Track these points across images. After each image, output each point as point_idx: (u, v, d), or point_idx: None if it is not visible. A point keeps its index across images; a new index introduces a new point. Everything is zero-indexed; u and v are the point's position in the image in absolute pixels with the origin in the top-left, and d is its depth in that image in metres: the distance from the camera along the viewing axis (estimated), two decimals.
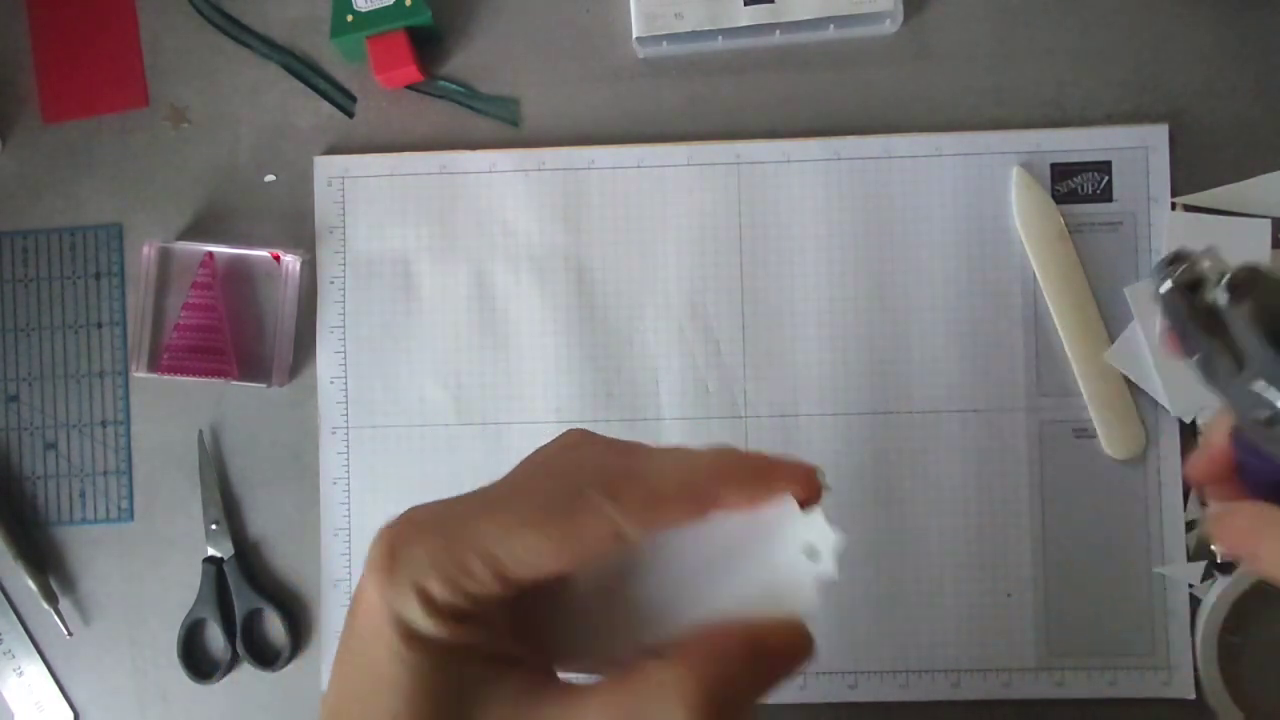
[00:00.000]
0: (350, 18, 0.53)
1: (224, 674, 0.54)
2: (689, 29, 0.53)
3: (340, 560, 0.54)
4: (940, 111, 0.54)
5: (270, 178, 0.56)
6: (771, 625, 0.27)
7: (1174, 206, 0.53)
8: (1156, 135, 0.53)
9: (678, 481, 0.27)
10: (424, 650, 0.25)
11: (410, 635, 0.25)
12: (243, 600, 0.53)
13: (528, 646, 0.27)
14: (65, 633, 0.54)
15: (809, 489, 0.28)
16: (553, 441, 0.32)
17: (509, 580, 0.26)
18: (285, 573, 0.55)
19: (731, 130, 0.54)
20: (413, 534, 0.27)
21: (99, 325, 0.56)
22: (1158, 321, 0.51)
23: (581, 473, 0.28)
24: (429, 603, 0.25)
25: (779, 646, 0.26)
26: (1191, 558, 0.52)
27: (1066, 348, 0.52)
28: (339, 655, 0.27)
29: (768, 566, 0.28)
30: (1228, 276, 0.31)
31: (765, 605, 0.27)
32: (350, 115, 0.56)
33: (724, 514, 0.28)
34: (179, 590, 0.54)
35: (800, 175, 0.54)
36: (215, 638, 0.54)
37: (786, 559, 0.28)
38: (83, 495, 0.55)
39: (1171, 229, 0.52)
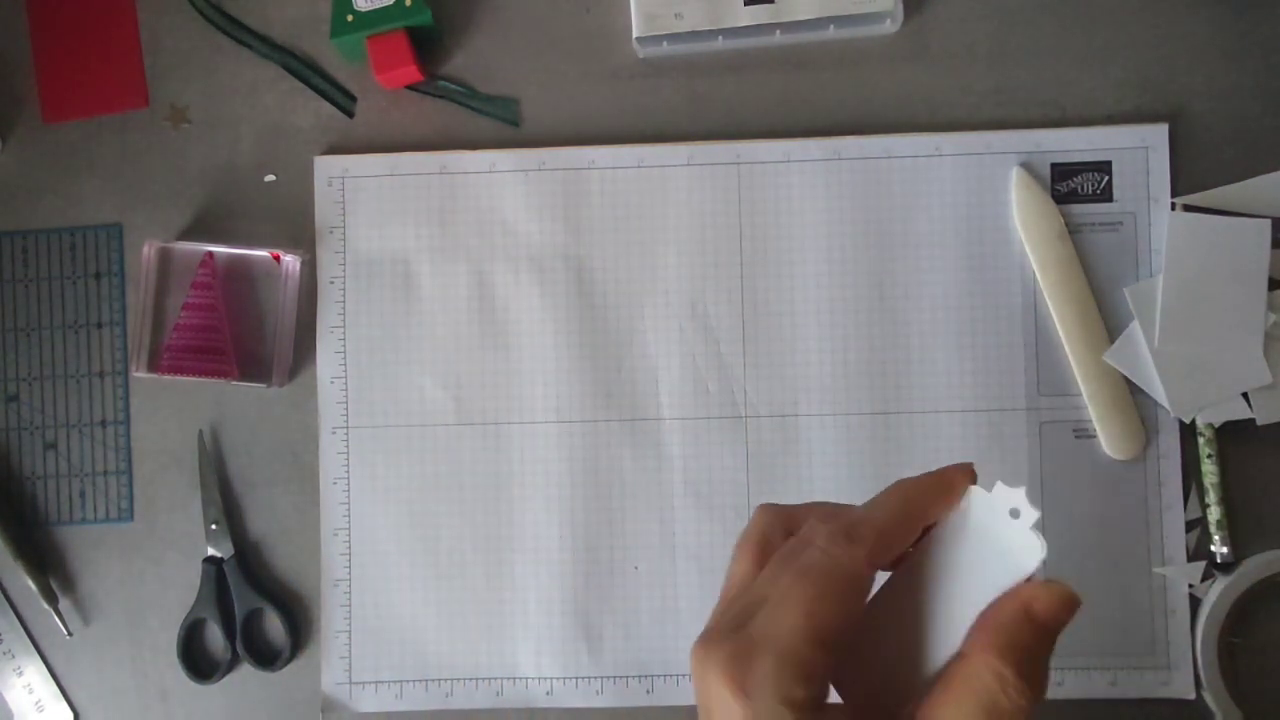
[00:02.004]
0: (350, 18, 0.53)
1: (224, 674, 0.54)
2: (689, 29, 0.53)
3: (340, 560, 0.54)
4: (940, 111, 0.54)
5: (270, 178, 0.56)
6: (1030, 588, 0.30)
7: (1174, 206, 0.53)
8: (1156, 135, 0.53)
9: (890, 511, 0.32)
10: None
11: None
12: (243, 600, 0.53)
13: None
14: (65, 633, 0.54)
15: (971, 475, 0.33)
16: (752, 527, 0.35)
17: (832, 649, 0.30)
18: (285, 573, 0.55)
19: (731, 130, 0.54)
20: (744, 663, 0.30)
21: (99, 325, 0.56)
22: (1157, 325, 0.51)
23: (813, 534, 0.32)
24: (795, 705, 0.28)
25: (1046, 602, 0.30)
26: (1191, 558, 0.52)
27: (1066, 348, 0.52)
28: None
29: (993, 546, 0.31)
30: None
31: (1011, 576, 0.31)
32: (350, 115, 0.56)
33: (935, 533, 0.33)
34: (179, 590, 0.54)
35: (800, 175, 0.54)
36: (215, 638, 0.54)
37: (1001, 529, 0.31)
38: (83, 495, 0.55)
39: (1171, 229, 0.52)
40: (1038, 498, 0.31)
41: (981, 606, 0.31)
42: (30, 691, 0.54)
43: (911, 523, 0.32)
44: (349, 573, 0.54)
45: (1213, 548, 0.52)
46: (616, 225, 0.54)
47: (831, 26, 0.53)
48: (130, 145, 0.56)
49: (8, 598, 0.55)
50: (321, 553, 0.54)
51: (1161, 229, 0.52)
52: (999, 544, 0.31)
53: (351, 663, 0.53)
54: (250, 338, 0.55)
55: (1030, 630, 0.30)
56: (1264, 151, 0.53)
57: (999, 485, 0.32)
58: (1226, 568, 0.52)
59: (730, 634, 0.30)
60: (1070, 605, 0.30)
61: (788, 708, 0.28)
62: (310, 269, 0.55)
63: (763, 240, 0.54)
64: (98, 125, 0.56)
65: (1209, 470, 0.52)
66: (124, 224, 0.56)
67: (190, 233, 0.55)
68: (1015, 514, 0.31)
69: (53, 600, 0.54)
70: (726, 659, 0.29)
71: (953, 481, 0.32)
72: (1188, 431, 0.52)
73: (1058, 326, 0.52)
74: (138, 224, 0.56)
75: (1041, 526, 0.31)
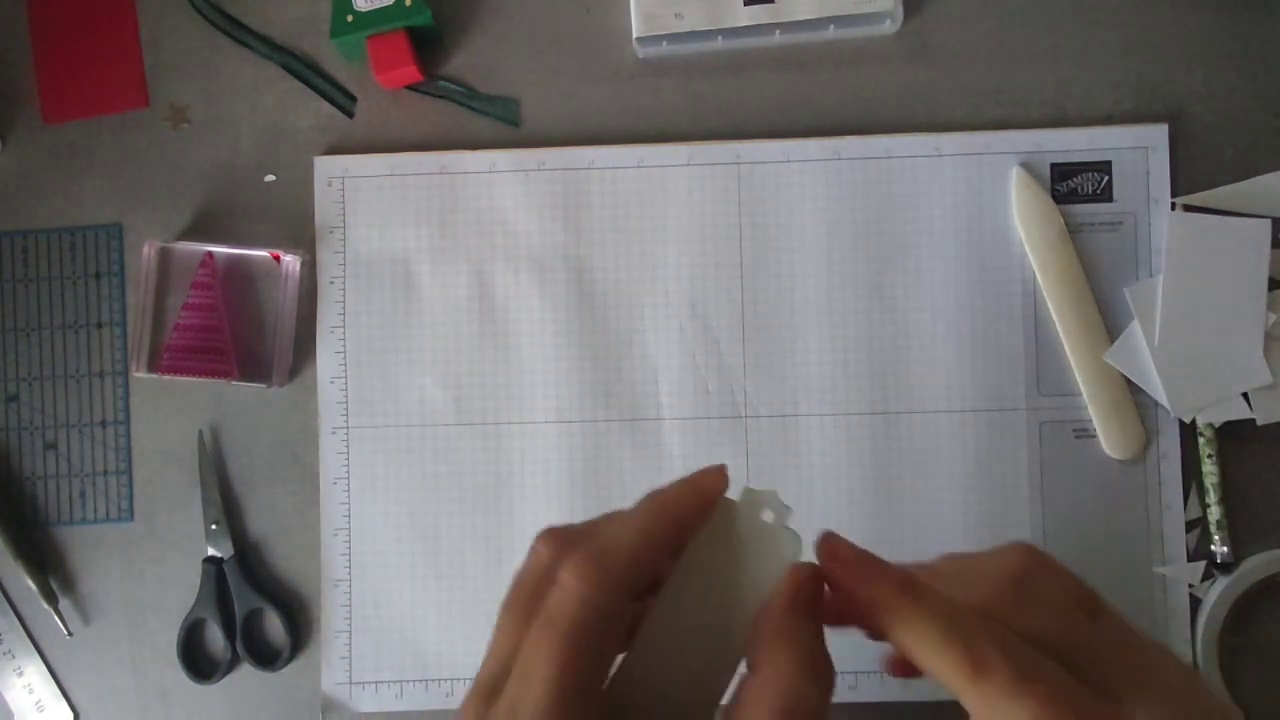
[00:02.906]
0: (350, 18, 0.53)
1: (224, 674, 0.54)
2: (689, 29, 0.53)
3: (340, 560, 0.54)
4: (940, 111, 0.54)
5: (270, 178, 0.56)
6: (786, 577, 0.29)
7: (1174, 206, 0.53)
8: (1156, 135, 0.53)
9: (642, 527, 0.30)
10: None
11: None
12: (243, 600, 0.53)
13: None
14: (65, 633, 0.54)
15: (724, 478, 0.31)
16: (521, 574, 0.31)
17: (590, 696, 0.28)
18: (285, 573, 0.55)
19: (731, 130, 0.54)
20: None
21: (99, 325, 0.56)
22: (1158, 323, 0.51)
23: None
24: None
25: (801, 584, 0.29)
26: (1191, 558, 0.52)
27: (1066, 348, 0.52)
28: None
29: (754, 549, 0.30)
30: None
31: (777, 575, 0.30)
32: (350, 115, 0.56)
33: (695, 543, 0.31)
34: (179, 590, 0.54)
35: (800, 175, 0.54)
36: (215, 638, 0.54)
37: (760, 530, 0.31)
38: (83, 495, 0.55)
39: (1171, 229, 0.52)
40: (796, 496, 0.31)
41: (752, 612, 0.29)
42: (30, 691, 0.54)
43: (665, 536, 0.30)
44: (349, 573, 0.54)
45: (1213, 548, 0.52)
46: (616, 225, 0.54)
47: (831, 26, 0.53)
48: (130, 145, 0.56)
49: (8, 598, 0.55)
50: (321, 553, 0.54)
51: (1161, 229, 0.52)
52: (760, 546, 0.30)
53: (351, 663, 0.53)
54: (250, 338, 0.55)
55: (802, 618, 0.28)
56: (1264, 151, 0.53)
57: (746, 488, 0.31)
58: (1226, 568, 0.52)
59: (480, 710, 0.27)
60: (816, 578, 0.29)
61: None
62: (310, 269, 0.55)
63: (763, 240, 0.54)
64: (98, 125, 0.56)
65: (1209, 470, 0.52)
66: (124, 224, 0.56)
67: (190, 233, 0.55)
68: (768, 514, 0.30)
69: (53, 600, 0.54)
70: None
71: (705, 487, 0.31)
72: (1188, 431, 0.52)
73: (1058, 326, 0.52)
74: (138, 224, 0.56)
75: (795, 522, 0.30)
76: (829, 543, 0.30)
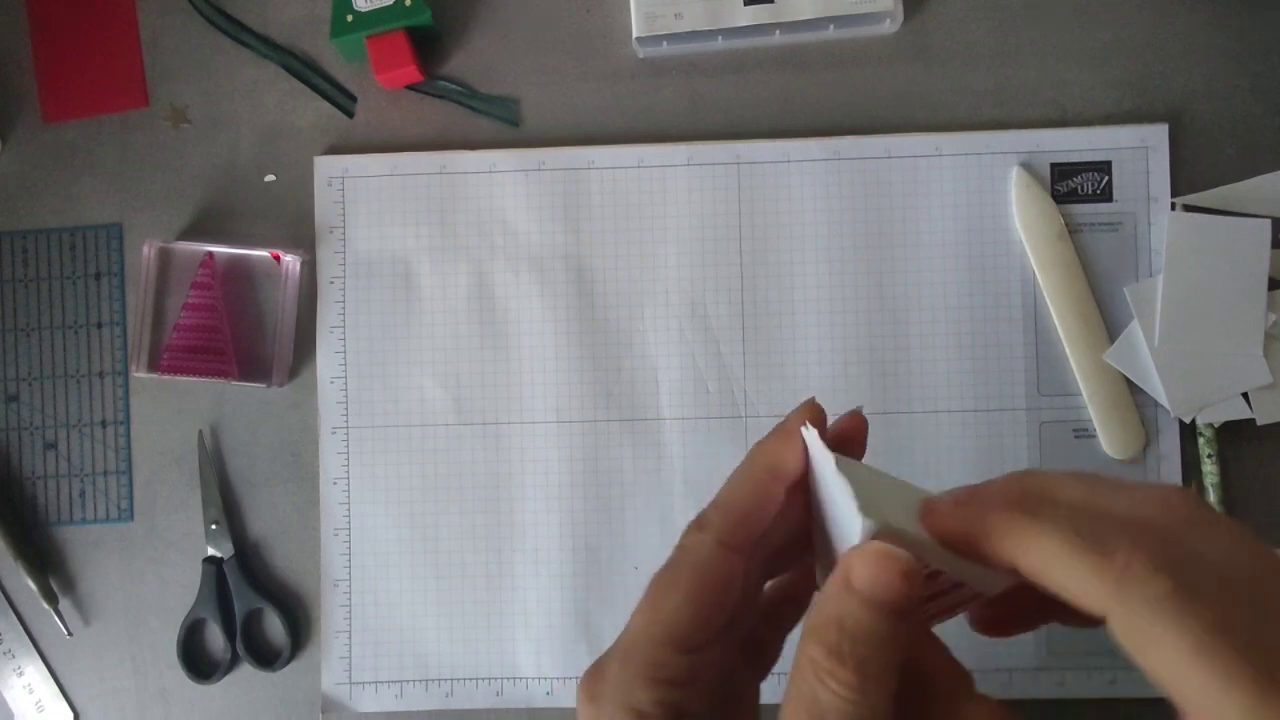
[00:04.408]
0: (350, 18, 0.53)
1: (224, 674, 0.54)
2: (689, 29, 0.53)
3: (340, 560, 0.54)
4: (940, 111, 0.54)
5: (270, 178, 0.56)
6: (847, 556, 0.25)
7: (1174, 206, 0.53)
8: (1156, 135, 0.53)
9: (737, 481, 0.29)
10: None
11: None
12: (243, 600, 0.53)
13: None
14: (65, 633, 0.54)
15: (811, 414, 0.29)
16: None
17: (687, 647, 0.27)
18: (285, 573, 0.55)
19: (731, 130, 0.54)
20: (598, 671, 0.28)
21: (99, 325, 0.56)
22: (1157, 323, 0.51)
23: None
24: (642, 716, 0.26)
25: (861, 570, 0.25)
26: None
27: (1066, 348, 0.52)
28: None
29: (836, 495, 0.27)
30: None
31: (850, 535, 0.27)
32: (350, 115, 0.56)
33: (810, 478, 0.29)
34: (179, 590, 0.54)
35: (800, 175, 0.54)
36: (215, 638, 0.54)
37: (832, 480, 0.28)
38: (83, 495, 0.55)
39: (1171, 229, 0.52)
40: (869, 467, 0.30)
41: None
42: (30, 691, 0.54)
43: (763, 486, 0.29)
44: (349, 573, 0.54)
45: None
46: (616, 225, 0.54)
47: (831, 26, 0.53)
48: (130, 145, 0.56)
49: (8, 598, 0.55)
50: (321, 553, 0.54)
51: (1161, 229, 0.52)
52: (838, 494, 0.27)
53: (351, 663, 0.53)
54: (250, 338, 0.55)
55: (851, 605, 0.24)
56: (1264, 151, 0.53)
57: (813, 436, 0.29)
58: None
59: (605, 655, 0.28)
60: (893, 565, 0.24)
61: (629, 714, 0.26)
62: (310, 269, 0.55)
63: (763, 240, 0.54)
64: (98, 125, 0.56)
65: (1209, 470, 0.52)
66: (124, 224, 0.56)
67: (190, 233, 0.55)
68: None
69: (53, 600, 0.54)
70: (585, 675, 0.28)
71: (791, 429, 0.29)
72: (1188, 431, 0.52)
73: (1058, 326, 0.52)
74: (138, 224, 0.56)
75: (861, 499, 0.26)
76: (927, 508, 0.27)
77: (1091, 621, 0.23)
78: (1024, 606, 0.28)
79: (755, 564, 0.30)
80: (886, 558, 0.24)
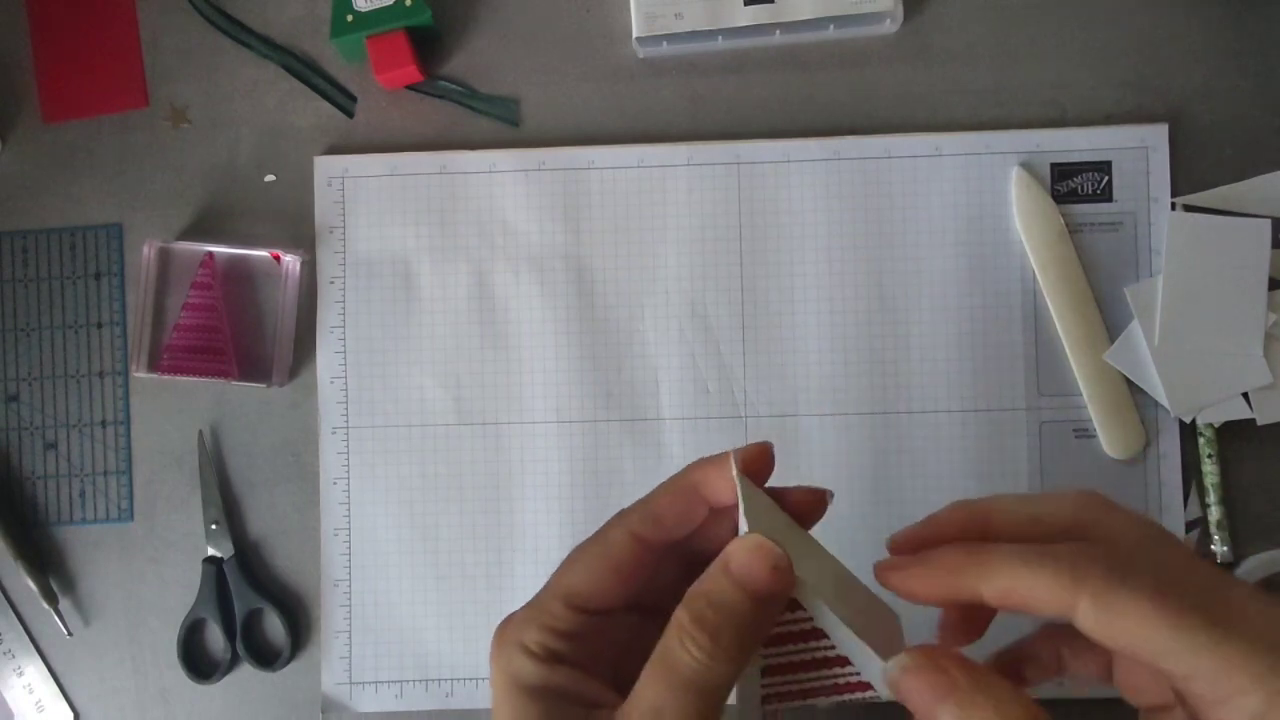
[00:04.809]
0: (350, 18, 0.53)
1: (224, 674, 0.54)
2: (689, 29, 0.53)
3: (340, 560, 0.54)
4: (940, 111, 0.54)
5: (270, 178, 0.56)
6: (732, 543, 0.29)
7: (1174, 206, 0.53)
8: (1156, 135, 0.53)
9: (658, 493, 0.33)
10: (527, 695, 0.30)
11: (516, 684, 0.30)
12: (243, 600, 0.53)
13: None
14: (65, 633, 0.54)
15: (753, 455, 0.32)
16: None
17: (580, 607, 0.31)
18: (285, 573, 0.55)
19: (731, 130, 0.54)
20: (509, 617, 0.32)
21: (99, 325, 0.56)
22: (1157, 324, 0.51)
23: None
24: (528, 652, 0.30)
25: (739, 556, 0.29)
26: None
27: (1066, 348, 0.52)
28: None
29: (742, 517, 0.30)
30: None
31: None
32: (350, 115, 0.56)
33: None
34: (179, 590, 0.54)
35: (800, 175, 0.54)
36: (215, 638, 0.54)
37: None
38: (83, 495, 0.55)
39: (1171, 229, 0.52)
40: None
41: None
42: (30, 691, 0.54)
43: (685, 498, 0.32)
44: (349, 573, 0.54)
45: (1213, 547, 0.52)
46: (616, 225, 0.54)
47: (831, 26, 0.53)
48: (130, 145, 0.56)
49: (8, 598, 0.55)
50: (321, 553, 0.54)
51: (1161, 229, 0.52)
52: (740, 524, 0.30)
53: (351, 663, 0.53)
54: (250, 338, 0.55)
55: (721, 583, 0.28)
56: (1264, 151, 0.53)
57: (739, 476, 0.31)
58: (1227, 568, 0.52)
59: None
60: (765, 556, 0.28)
61: (520, 651, 0.30)
62: (310, 269, 0.55)
63: (763, 240, 0.54)
64: (98, 125, 0.56)
65: (1209, 470, 0.52)
66: (124, 224, 0.56)
67: (190, 233, 0.55)
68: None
69: (53, 600, 0.54)
70: (501, 620, 0.32)
71: (725, 459, 0.32)
72: (1188, 431, 0.52)
73: (1058, 326, 0.52)
74: (138, 224, 0.56)
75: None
76: (886, 566, 0.30)
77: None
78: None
79: (676, 561, 0.33)
80: (761, 548, 0.28)
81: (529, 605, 0.32)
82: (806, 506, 0.33)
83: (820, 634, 0.30)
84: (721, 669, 0.27)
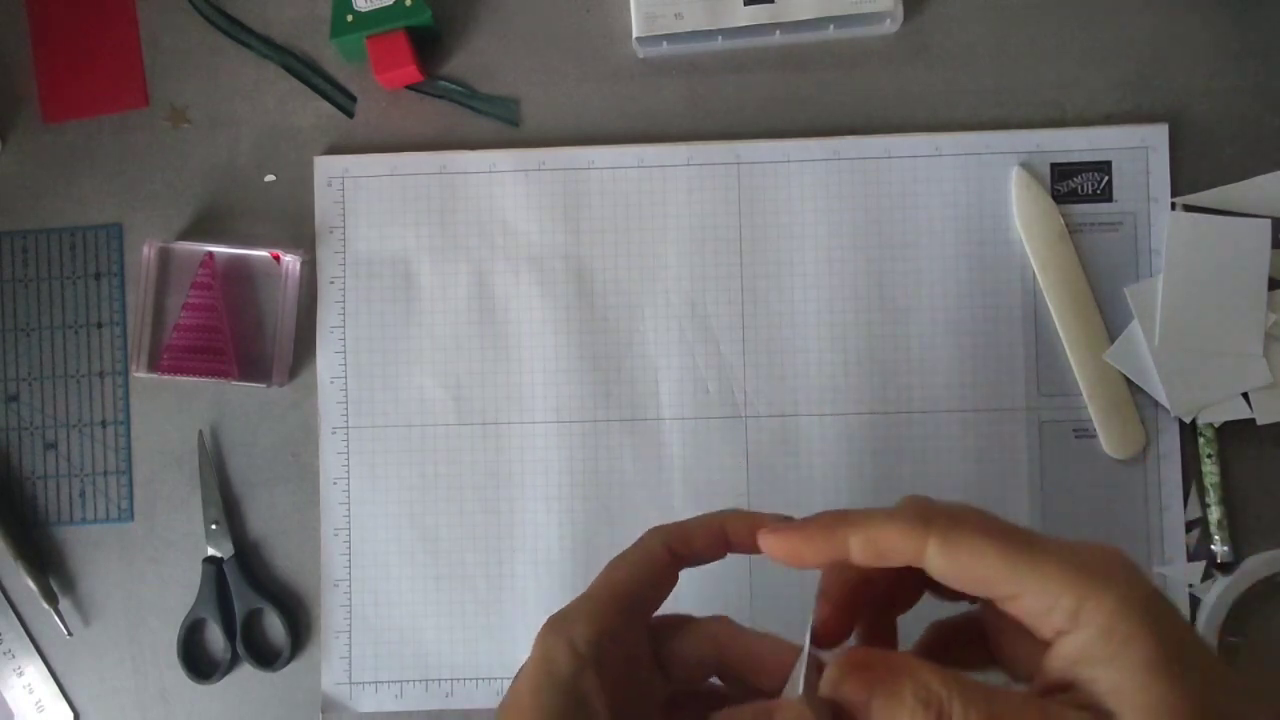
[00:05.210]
0: (350, 18, 0.53)
1: (224, 674, 0.54)
2: (689, 29, 0.53)
3: (340, 560, 0.54)
4: (940, 111, 0.54)
5: (270, 178, 0.56)
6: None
7: (1174, 206, 0.53)
8: (1156, 135, 0.53)
9: (696, 520, 0.36)
10: (557, 689, 0.32)
11: (552, 676, 0.33)
12: (243, 600, 0.53)
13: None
14: (65, 633, 0.54)
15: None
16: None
17: (626, 608, 0.34)
18: (285, 573, 0.55)
19: (731, 130, 0.54)
20: (562, 611, 0.35)
21: (99, 325, 0.56)
22: (1158, 324, 0.51)
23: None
24: (573, 648, 0.33)
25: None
26: (1191, 558, 0.52)
27: (1066, 348, 0.52)
28: (512, 687, 0.34)
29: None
30: None
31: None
32: (350, 115, 0.56)
33: None
34: (179, 590, 0.54)
35: (800, 175, 0.54)
36: (215, 638, 0.54)
37: None
38: (83, 495, 0.55)
39: (1171, 229, 0.52)
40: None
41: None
42: (30, 691, 0.54)
43: (712, 532, 0.35)
44: (349, 573, 0.54)
45: (1213, 547, 0.52)
46: (616, 225, 0.54)
47: (831, 26, 0.53)
48: (130, 145, 0.56)
49: (8, 598, 0.55)
50: (321, 553, 0.54)
51: (1161, 229, 0.52)
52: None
53: (351, 663, 0.53)
54: (250, 338, 0.55)
55: None
56: (1264, 151, 0.53)
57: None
58: (1226, 568, 0.52)
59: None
60: None
61: (567, 645, 0.33)
62: (310, 269, 0.55)
63: (763, 240, 0.54)
64: (98, 125, 0.56)
65: (1209, 470, 0.52)
66: (124, 224, 0.56)
67: (190, 233, 0.55)
68: None
69: (53, 600, 0.54)
70: (554, 614, 0.34)
71: (753, 527, 0.34)
72: (1188, 431, 0.52)
73: (1058, 326, 0.52)
74: (138, 224, 0.56)
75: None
76: (765, 534, 0.33)
77: (955, 596, 0.31)
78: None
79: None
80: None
81: (581, 600, 0.34)
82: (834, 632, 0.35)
83: None
84: None
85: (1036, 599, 0.28)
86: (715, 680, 0.36)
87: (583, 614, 0.34)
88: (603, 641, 0.33)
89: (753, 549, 0.34)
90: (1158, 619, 0.26)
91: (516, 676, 0.34)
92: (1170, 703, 0.25)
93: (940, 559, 0.29)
